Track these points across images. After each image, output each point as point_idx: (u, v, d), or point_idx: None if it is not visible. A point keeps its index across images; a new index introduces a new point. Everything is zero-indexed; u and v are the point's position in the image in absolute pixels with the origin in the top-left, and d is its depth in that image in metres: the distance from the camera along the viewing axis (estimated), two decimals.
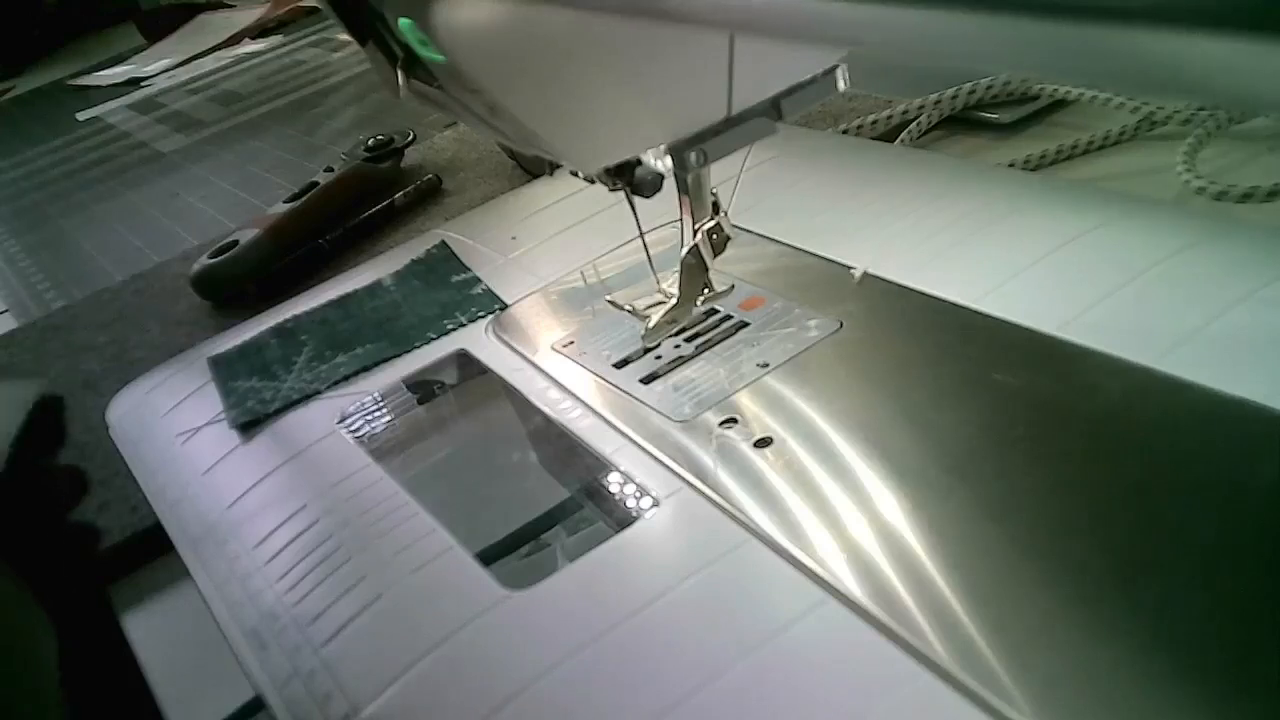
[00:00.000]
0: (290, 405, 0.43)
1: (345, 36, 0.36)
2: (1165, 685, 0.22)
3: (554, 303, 0.46)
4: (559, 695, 0.26)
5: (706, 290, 0.40)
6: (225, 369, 0.48)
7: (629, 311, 0.43)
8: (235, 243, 0.62)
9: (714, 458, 0.33)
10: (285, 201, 0.66)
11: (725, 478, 0.32)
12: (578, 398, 0.39)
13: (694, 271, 0.39)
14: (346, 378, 0.45)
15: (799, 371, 0.36)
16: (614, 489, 0.33)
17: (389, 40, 0.32)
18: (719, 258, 0.39)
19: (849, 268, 0.41)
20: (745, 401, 0.36)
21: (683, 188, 0.37)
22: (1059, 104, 0.54)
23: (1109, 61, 0.12)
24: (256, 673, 0.31)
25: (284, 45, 1.44)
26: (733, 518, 0.30)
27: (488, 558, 0.33)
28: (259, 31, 1.56)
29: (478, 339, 0.45)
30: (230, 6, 1.70)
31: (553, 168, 0.62)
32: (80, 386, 0.58)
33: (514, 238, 0.54)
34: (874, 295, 0.39)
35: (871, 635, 0.25)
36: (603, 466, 0.35)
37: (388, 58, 0.33)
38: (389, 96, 0.34)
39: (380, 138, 0.71)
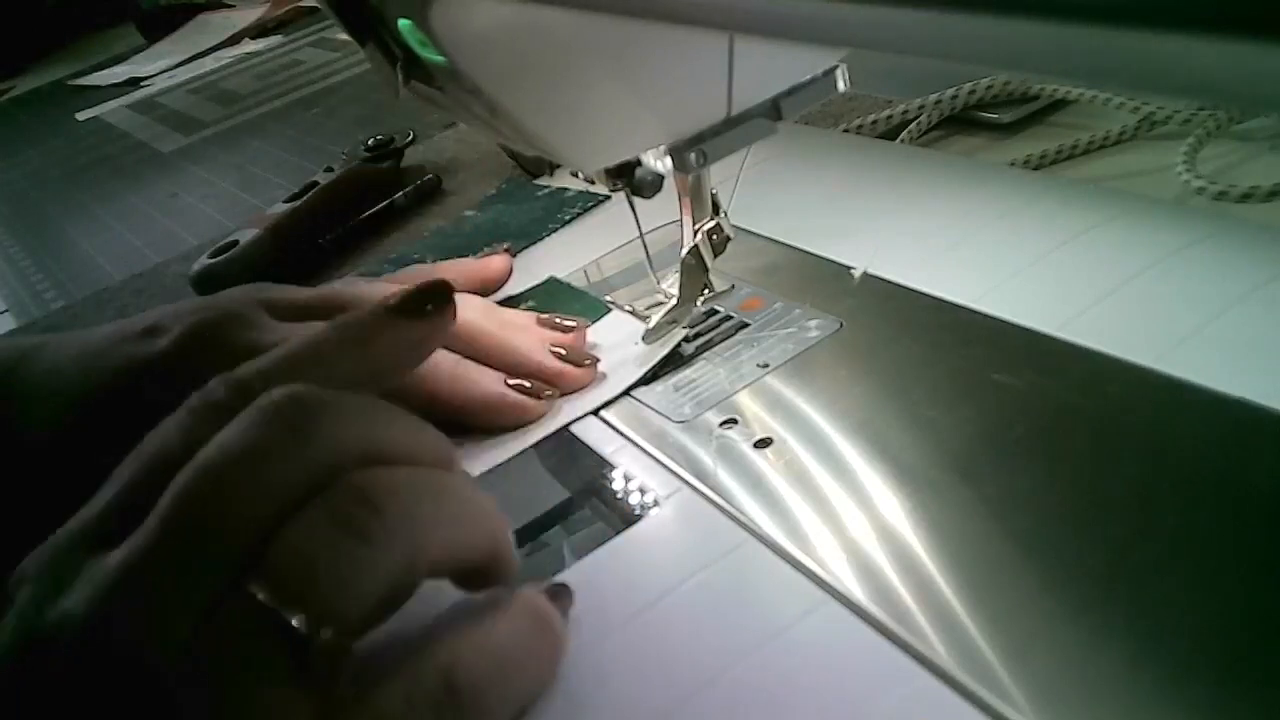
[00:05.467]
0: None
1: (345, 36, 0.36)
2: (1165, 685, 0.22)
3: None
4: (558, 697, 0.26)
5: (706, 290, 0.40)
6: None
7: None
8: (235, 243, 0.62)
9: (714, 458, 0.33)
10: (285, 201, 0.66)
11: (725, 478, 0.32)
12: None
13: (694, 272, 0.39)
14: None
15: (799, 372, 0.36)
16: (614, 489, 0.33)
17: (389, 41, 0.32)
18: (719, 258, 0.39)
19: (849, 268, 0.41)
20: (745, 402, 0.36)
21: (683, 188, 0.37)
22: (1059, 104, 0.54)
23: (1109, 61, 0.12)
24: None
25: (284, 45, 1.44)
26: (733, 518, 0.30)
27: None
28: (259, 31, 1.56)
29: None
30: (230, 6, 1.70)
31: (553, 168, 0.62)
32: None
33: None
34: (874, 295, 0.39)
35: (871, 635, 0.25)
36: (603, 466, 0.35)
37: (387, 58, 0.33)
38: (389, 96, 0.34)
39: (380, 138, 0.71)
